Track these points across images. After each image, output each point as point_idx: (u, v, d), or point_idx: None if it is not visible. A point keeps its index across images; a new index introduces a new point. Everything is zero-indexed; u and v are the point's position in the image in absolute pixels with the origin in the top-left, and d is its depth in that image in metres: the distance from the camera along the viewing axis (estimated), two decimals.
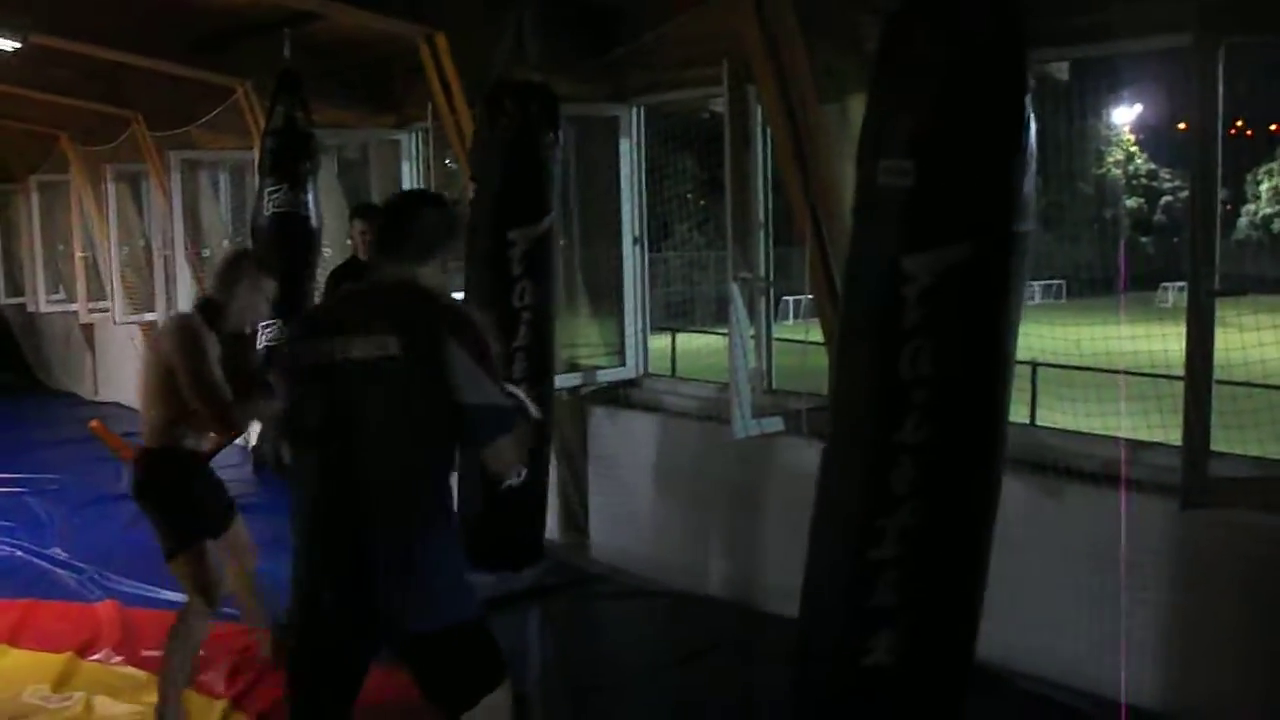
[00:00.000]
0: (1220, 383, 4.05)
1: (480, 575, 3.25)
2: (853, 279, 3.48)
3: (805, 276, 5.18)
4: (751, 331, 5.57)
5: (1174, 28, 4.06)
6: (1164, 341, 4.76)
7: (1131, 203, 35.99)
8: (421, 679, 3.13)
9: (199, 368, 4.15)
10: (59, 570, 6.48)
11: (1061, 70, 5.63)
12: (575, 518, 6.82)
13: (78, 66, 8.79)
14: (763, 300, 5.67)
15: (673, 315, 11.82)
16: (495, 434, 3.04)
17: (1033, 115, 3.20)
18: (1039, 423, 7.10)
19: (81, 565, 6.48)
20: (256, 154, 7.67)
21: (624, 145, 6.56)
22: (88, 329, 13.03)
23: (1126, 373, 4.48)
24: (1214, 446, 4.06)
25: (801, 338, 5.48)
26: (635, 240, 6.63)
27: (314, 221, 7.25)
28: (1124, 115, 31.18)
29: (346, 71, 7.86)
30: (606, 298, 6.84)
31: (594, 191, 6.79)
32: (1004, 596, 3.68)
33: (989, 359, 3.29)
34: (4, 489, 8.46)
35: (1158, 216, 36.91)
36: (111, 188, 10.92)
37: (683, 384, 6.86)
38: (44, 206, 12.96)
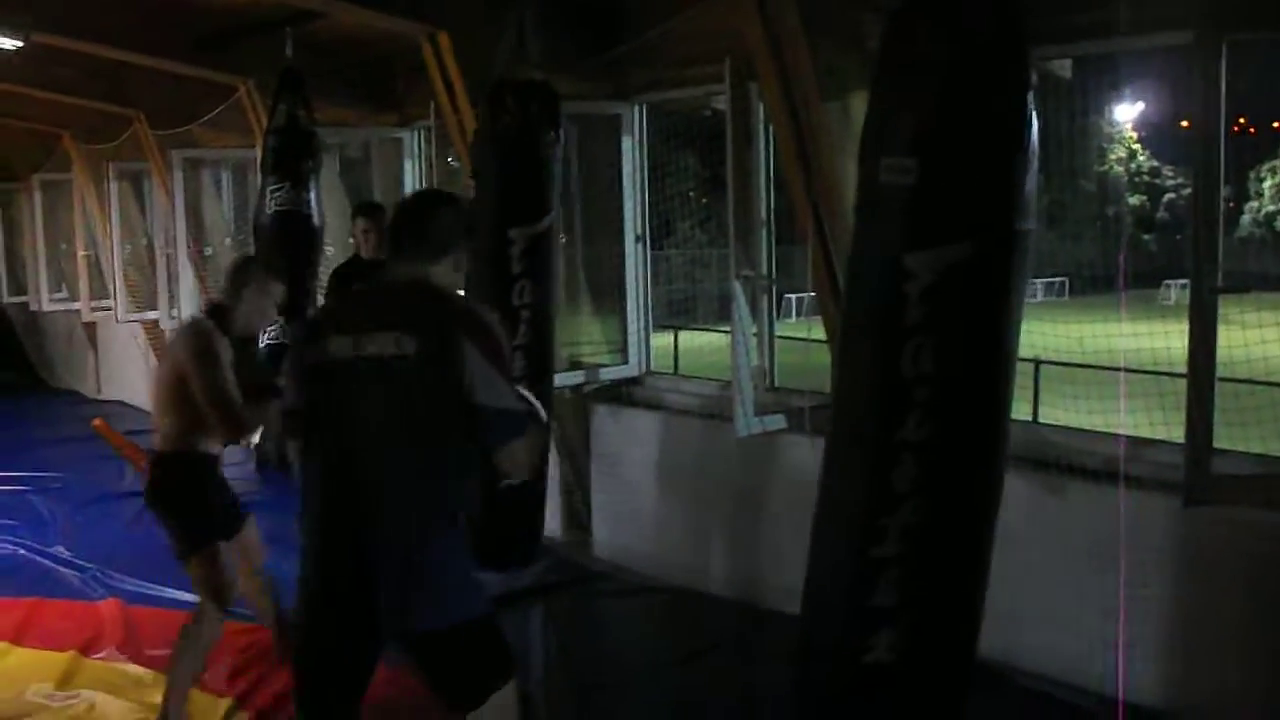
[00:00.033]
0: (1223, 380, 4.06)
1: (486, 574, 3.25)
2: (855, 277, 3.47)
3: (807, 274, 5.18)
4: (754, 329, 5.58)
5: (1176, 25, 4.06)
6: (1166, 339, 4.76)
7: (1134, 200, 36.00)
8: (430, 676, 3.14)
9: (214, 374, 4.17)
10: (62, 569, 6.49)
11: (1064, 67, 5.61)
12: (578, 515, 6.83)
13: (80, 65, 8.80)
14: (765, 298, 5.67)
15: (675, 313, 11.83)
16: (509, 437, 3.04)
17: (1035, 113, 3.20)
18: (1041, 420, 7.10)
19: (84, 564, 6.48)
20: (259, 152, 7.67)
21: (626, 143, 6.56)
22: (90, 327, 13.05)
23: (1129, 370, 4.47)
24: (1216, 444, 4.07)
25: (804, 335, 5.47)
26: (637, 238, 6.63)
27: (316, 220, 7.27)
28: (1126, 112, 31.24)
29: (349, 70, 7.87)
30: (609, 295, 6.84)
31: (596, 189, 6.79)
32: (1006, 594, 3.68)
33: (991, 357, 3.29)
34: (7, 487, 8.46)
35: (1160, 214, 36.92)
36: (114, 186, 10.94)
37: (685, 382, 6.85)
38: (47, 205, 12.98)
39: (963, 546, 3.35)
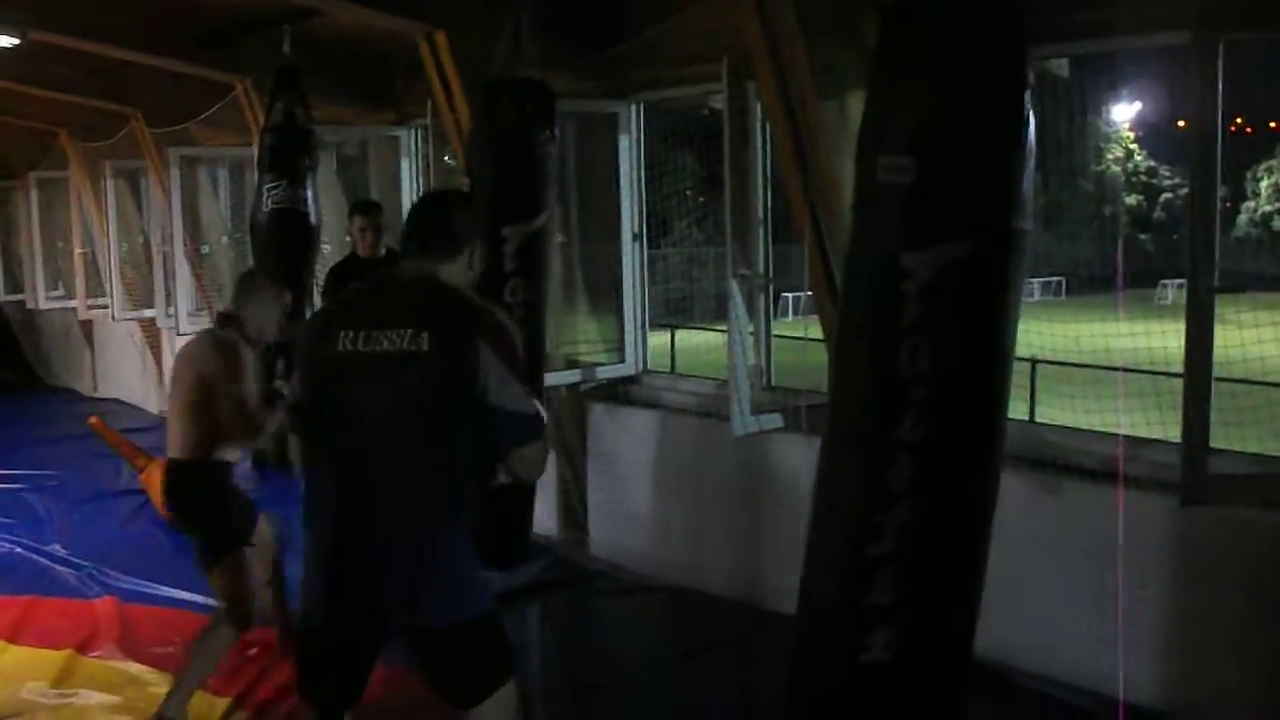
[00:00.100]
0: (1219, 380, 4.05)
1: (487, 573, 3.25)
2: (852, 275, 3.47)
3: (804, 273, 5.18)
4: (751, 328, 5.57)
5: (1174, 24, 4.06)
6: (1163, 338, 4.76)
7: (1131, 200, 36.01)
8: (433, 673, 3.15)
9: (244, 384, 4.29)
10: (58, 567, 6.48)
11: (1061, 67, 5.62)
12: (574, 514, 6.83)
13: (77, 63, 8.78)
14: (762, 297, 5.67)
15: (672, 312, 11.81)
16: (522, 440, 3.04)
17: (1032, 112, 3.20)
18: (1038, 419, 7.11)
19: (80, 562, 6.48)
20: (256, 150, 7.66)
21: (623, 142, 6.56)
22: (87, 325, 13.03)
23: (1126, 369, 4.48)
24: (1213, 443, 4.07)
25: (800, 334, 5.47)
26: (634, 237, 6.63)
27: (313, 218, 7.25)
28: (1124, 112, 31.27)
29: (346, 68, 7.86)
30: (606, 294, 6.84)
31: (593, 188, 6.79)
32: (1003, 594, 3.68)
33: (988, 356, 3.29)
34: (3, 485, 8.45)
35: (1157, 214, 36.94)
36: (111, 184, 10.92)
37: (682, 380, 6.86)
38: (43, 203, 12.96)
39: (959, 546, 3.35)
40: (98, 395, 13.09)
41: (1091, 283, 16.91)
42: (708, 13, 5.25)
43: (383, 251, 6.45)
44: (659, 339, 9.66)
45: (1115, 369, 4.59)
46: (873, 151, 3.26)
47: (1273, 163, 35.67)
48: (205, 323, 8.81)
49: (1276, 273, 26.52)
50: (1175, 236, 32.04)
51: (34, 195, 12.96)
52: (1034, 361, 8.81)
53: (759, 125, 5.48)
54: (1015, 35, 3.17)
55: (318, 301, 7.13)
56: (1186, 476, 4.04)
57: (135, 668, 5.04)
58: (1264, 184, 36.27)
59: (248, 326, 4.49)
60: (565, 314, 6.78)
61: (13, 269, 14.10)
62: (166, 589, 5.94)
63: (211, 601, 5.46)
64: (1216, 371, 4.00)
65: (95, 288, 11.98)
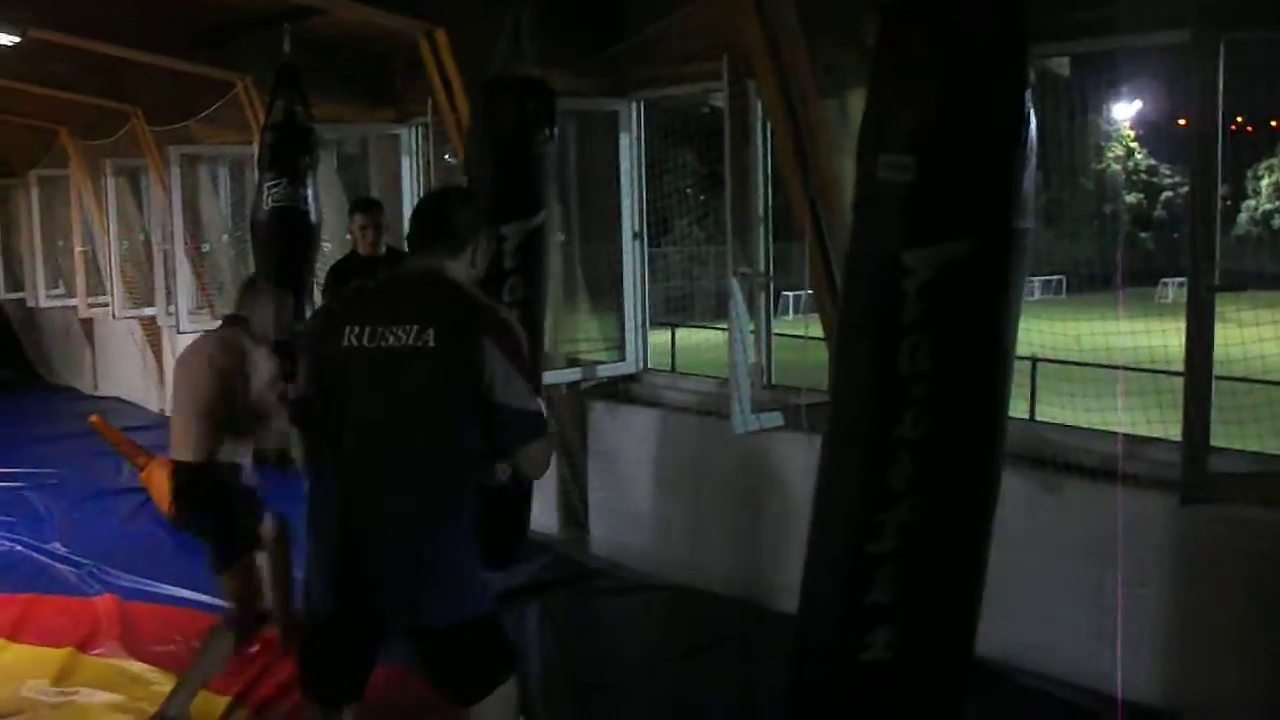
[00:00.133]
0: (1220, 378, 4.06)
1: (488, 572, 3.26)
2: (852, 274, 3.47)
3: (805, 271, 5.18)
4: (751, 326, 5.57)
5: (1175, 23, 4.05)
6: (1164, 337, 4.77)
7: (1131, 198, 36.01)
8: (434, 671, 3.15)
9: (266, 383, 4.35)
10: (58, 565, 6.48)
11: (1062, 65, 5.61)
12: (575, 513, 6.82)
13: (78, 61, 8.78)
14: (762, 295, 5.67)
15: (672, 310, 11.79)
16: (527, 438, 3.04)
17: (1033, 110, 3.20)
18: (1038, 418, 7.11)
19: (81, 560, 6.48)
20: (256, 148, 7.66)
21: (624, 140, 6.56)
22: (87, 324, 13.04)
23: (1126, 368, 4.48)
24: (1213, 442, 4.07)
25: (801, 333, 5.47)
26: (635, 235, 6.63)
27: (313, 216, 7.25)
28: (1124, 111, 31.28)
29: (346, 66, 7.86)
30: (606, 293, 6.84)
31: (594, 186, 6.79)
32: (1003, 592, 3.68)
33: (988, 354, 3.29)
34: (3, 484, 8.45)
35: (1158, 212, 36.94)
36: (111, 182, 10.93)
37: (682, 379, 6.85)
38: (44, 201, 12.96)
39: (960, 544, 3.35)
40: (98, 393, 13.10)
41: (1092, 281, 16.88)
42: (708, 10, 5.25)
43: (383, 249, 6.45)
44: (659, 337, 9.66)
45: (1116, 367, 4.59)
46: (873, 150, 3.26)
47: (1273, 161, 35.67)
48: (206, 321, 8.85)
49: (1277, 271, 26.50)
50: (1176, 235, 32.06)
51: (34, 193, 12.95)
52: (1034, 360, 8.81)
53: (759, 123, 5.48)
54: (1016, 34, 3.17)
55: (318, 300, 7.13)
56: (1187, 475, 4.04)
57: (136, 666, 5.04)
58: (1264, 182, 36.27)
59: (254, 326, 4.54)
60: (566, 312, 6.78)
61: (13, 267, 14.10)
62: (167, 587, 5.94)
63: (210, 599, 5.49)
64: (1217, 370, 4.00)
65: (96, 286, 11.98)
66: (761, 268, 5.58)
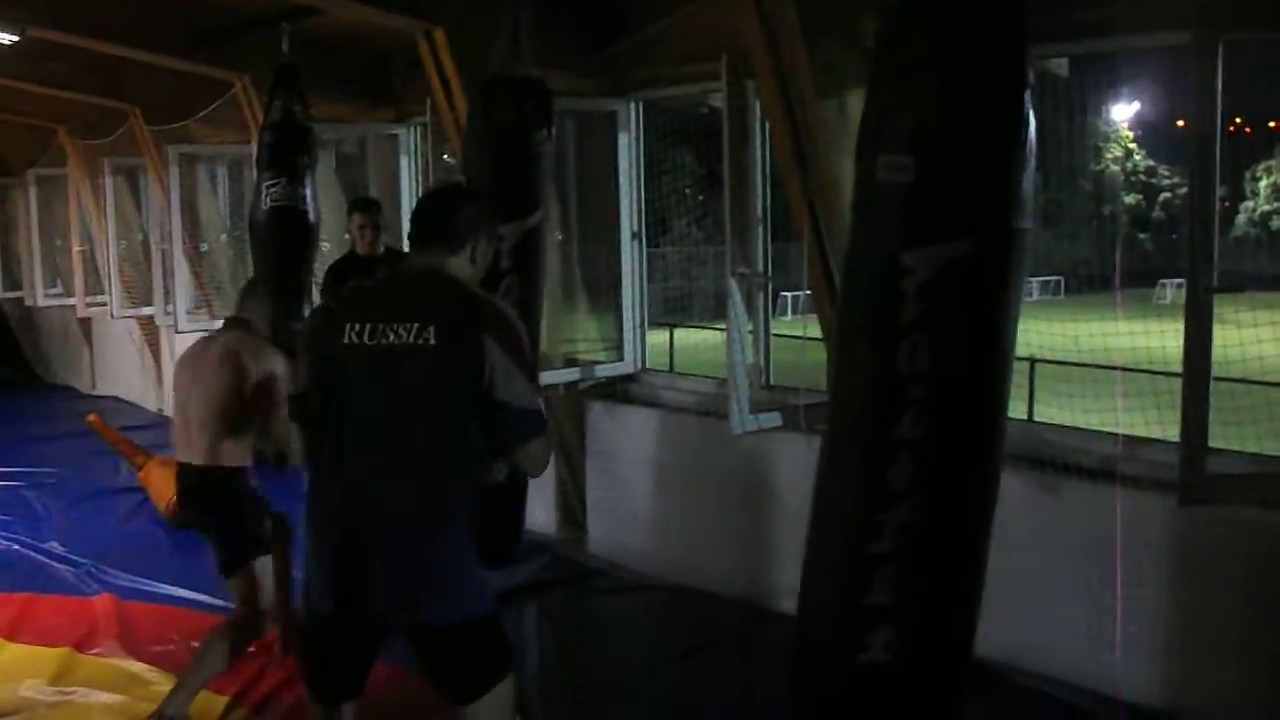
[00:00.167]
0: (1218, 379, 4.06)
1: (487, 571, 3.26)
2: (851, 274, 3.47)
3: (804, 272, 5.18)
4: (750, 327, 5.57)
5: (1174, 24, 4.06)
6: (1162, 338, 4.77)
7: (1130, 199, 36.01)
8: (433, 670, 3.15)
9: (286, 383, 4.30)
10: (56, 564, 6.47)
11: (1061, 66, 5.62)
12: (573, 513, 6.83)
13: (76, 60, 8.78)
14: (761, 295, 5.67)
15: (671, 310, 11.82)
16: (527, 437, 3.04)
17: (1032, 111, 3.19)
18: (1037, 419, 7.11)
19: (79, 559, 6.47)
20: (254, 148, 7.66)
21: (622, 140, 6.56)
22: (85, 323, 13.03)
23: (1124, 369, 4.48)
24: (1212, 443, 4.07)
25: (799, 333, 5.47)
26: (633, 235, 6.63)
27: (312, 216, 7.24)
28: (1123, 112, 31.28)
29: (345, 66, 7.86)
30: (605, 293, 6.84)
31: (592, 186, 6.78)
32: (1002, 593, 3.68)
33: (987, 355, 3.28)
34: (1, 483, 8.45)
35: (1156, 213, 36.95)
36: (109, 182, 10.91)
37: (681, 379, 6.85)
38: (42, 200, 12.95)
39: (959, 545, 3.35)
40: (96, 393, 13.09)
41: (1090, 282, 16.89)
42: (707, 11, 5.25)
43: (381, 249, 6.45)
44: (658, 337, 9.67)
45: (1114, 368, 4.59)
46: (872, 150, 3.25)
47: (1271, 163, 35.69)
48: (204, 320, 8.85)
49: (1275, 272, 26.53)
50: (1174, 236, 32.08)
51: (32, 192, 12.95)
52: (1033, 360, 8.82)
53: (758, 124, 5.48)
54: (1015, 34, 3.17)
55: (317, 299, 7.13)
56: (1185, 476, 4.04)
57: (134, 665, 5.04)
58: (1263, 184, 36.29)
59: (254, 328, 4.55)
60: (564, 312, 6.78)
61: (11, 266, 14.11)
62: (165, 586, 5.94)
63: (208, 599, 5.50)
64: (1215, 371, 4.00)
65: (94, 285, 11.98)
66: (760, 268, 5.58)
